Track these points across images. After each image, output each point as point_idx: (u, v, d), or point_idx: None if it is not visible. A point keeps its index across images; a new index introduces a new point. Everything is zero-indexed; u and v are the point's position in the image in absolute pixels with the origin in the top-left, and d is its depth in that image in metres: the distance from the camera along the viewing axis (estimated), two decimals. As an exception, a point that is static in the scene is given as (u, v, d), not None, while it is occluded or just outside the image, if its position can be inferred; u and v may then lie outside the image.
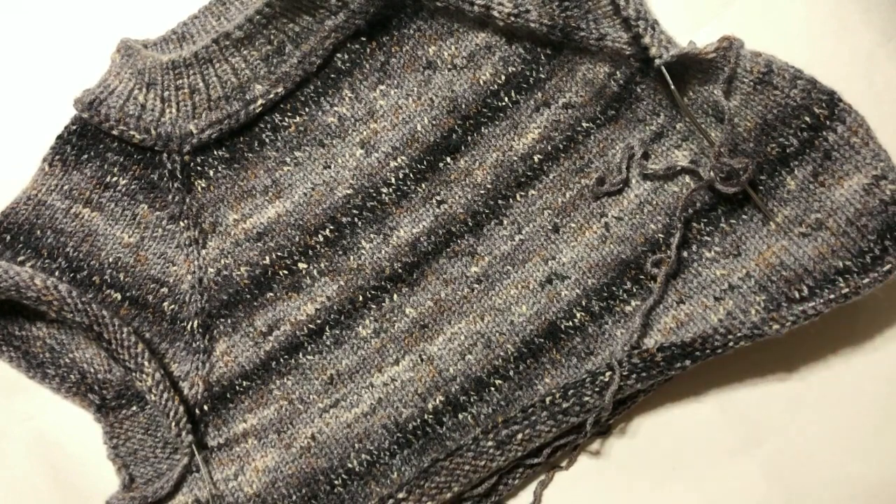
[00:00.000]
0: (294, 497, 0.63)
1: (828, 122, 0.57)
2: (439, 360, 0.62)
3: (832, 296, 0.56)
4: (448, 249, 0.63)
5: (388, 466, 0.62)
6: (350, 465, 0.62)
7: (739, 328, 0.57)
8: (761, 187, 0.59)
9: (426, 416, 0.62)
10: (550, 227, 0.62)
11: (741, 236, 0.59)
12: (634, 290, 0.61)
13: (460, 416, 0.62)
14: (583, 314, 0.61)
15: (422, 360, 0.63)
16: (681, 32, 0.60)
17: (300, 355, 0.64)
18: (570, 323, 0.61)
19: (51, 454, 0.67)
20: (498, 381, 0.62)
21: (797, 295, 0.57)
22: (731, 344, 0.57)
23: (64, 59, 0.70)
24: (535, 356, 0.62)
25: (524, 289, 0.62)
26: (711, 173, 0.58)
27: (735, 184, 0.58)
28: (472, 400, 0.62)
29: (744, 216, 0.59)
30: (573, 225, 0.62)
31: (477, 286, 0.63)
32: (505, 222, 0.63)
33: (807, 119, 0.57)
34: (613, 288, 0.61)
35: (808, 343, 0.59)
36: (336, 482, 0.62)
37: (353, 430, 0.63)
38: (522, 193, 0.63)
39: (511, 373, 0.62)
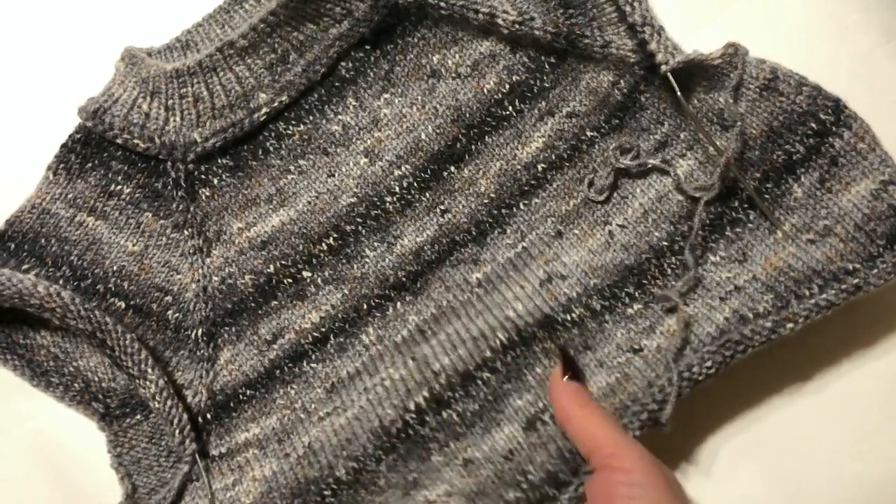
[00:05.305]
0: None
1: (834, 129, 0.56)
2: (428, 357, 0.60)
3: (843, 286, 0.55)
4: (451, 258, 0.63)
5: (375, 474, 0.59)
6: (338, 474, 0.60)
7: (753, 336, 0.55)
8: (767, 196, 0.58)
9: (408, 417, 0.59)
10: (553, 234, 0.62)
11: (747, 244, 0.58)
12: (637, 294, 0.59)
13: (444, 414, 0.59)
14: (582, 310, 0.59)
15: (413, 359, 0.61)
16: (681, 33, 0.60)
17: (304, 363, 0.63)
18: (568, 317, 0.59)
19: (51, 455, 0.67)
20: (486, 375, 0.59)
21: (807, 293, 0.56)
22: (749, 350, 0.55)
23: (68, 68, 0.70)
24: (526, 344, 0.59)
25: (522, 289, 0.61)
26: (719, 183, 0.57)
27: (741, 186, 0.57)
28: (457, 396, 0.59)
29: (749, 224, 0.58)
30: (577, 232, 0.61)
31: (479, 290, 0.62)
32: (508, 231, 0.62)
33: (813, 125, 0.57)
34: (615, 290, 0.60)
35: (809, 343, 0.59)
36: (326, 492, 0.60)
37: (341, 435, 0.61)
38: (526, 202, 0.62)
39: (499, 364, 0.59)
